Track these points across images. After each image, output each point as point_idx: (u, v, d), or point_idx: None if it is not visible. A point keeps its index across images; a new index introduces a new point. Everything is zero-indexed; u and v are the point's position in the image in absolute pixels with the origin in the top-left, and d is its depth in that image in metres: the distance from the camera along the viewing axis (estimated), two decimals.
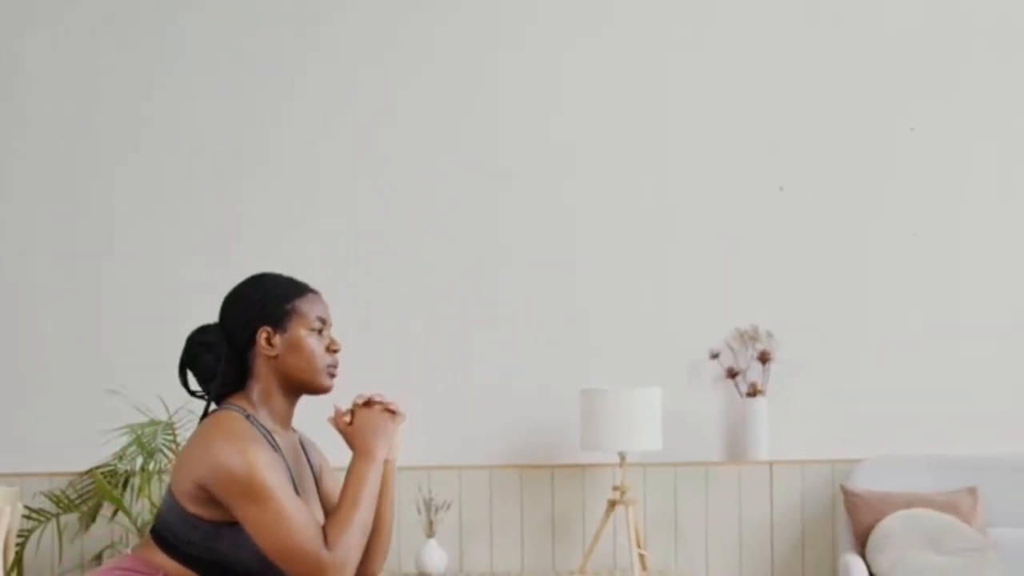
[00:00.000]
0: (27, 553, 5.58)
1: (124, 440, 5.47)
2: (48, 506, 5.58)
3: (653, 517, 5.69)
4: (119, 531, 5.61)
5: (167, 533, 2.85)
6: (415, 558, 5.50)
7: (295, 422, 3.05)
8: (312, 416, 3.31)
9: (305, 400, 3.03)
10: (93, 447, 5.54)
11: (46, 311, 5.84)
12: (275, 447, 2.87)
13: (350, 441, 2.93)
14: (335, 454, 3.18)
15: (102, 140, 5.86)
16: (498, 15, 5.88)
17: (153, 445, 5.34)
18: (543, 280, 5.81)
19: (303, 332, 2.93)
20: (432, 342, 5.78)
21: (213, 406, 2.96)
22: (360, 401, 2.97)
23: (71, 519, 5.60)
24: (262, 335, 2.91)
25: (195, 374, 2.96)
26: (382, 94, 5.86)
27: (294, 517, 2.73)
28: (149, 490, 5.33)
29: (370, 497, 2.84)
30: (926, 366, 5.72)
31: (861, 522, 5.30)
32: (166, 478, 5.40)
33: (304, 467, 3.02)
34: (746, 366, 5.73)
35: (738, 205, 5.81)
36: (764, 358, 5.70)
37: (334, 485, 3.10)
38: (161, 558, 2.84)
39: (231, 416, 2.84)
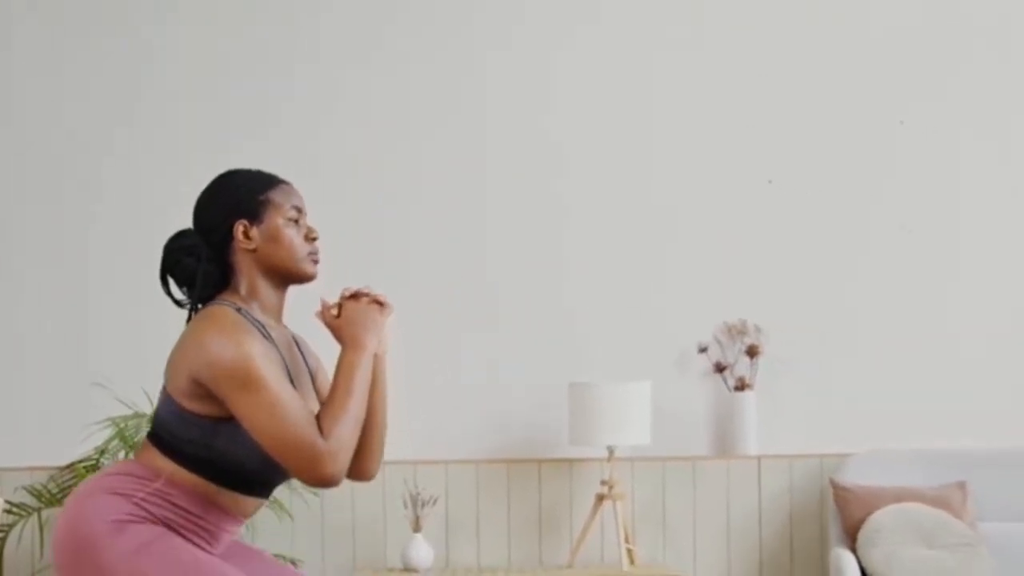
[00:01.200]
0: (7, 548, 5.52)
1: (106, 433, 5.41)
2: (29, 500, 5.52)
3: (641, 512, 5.66)
4: None
5: (165, 434, 2.81)
6: (401, 553, 5.46)
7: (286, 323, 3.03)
8: (300, 314, 3.24)
9: (293, 298, 2.99)
10: (75, 441, 5.48)
11: (28, 303, 5.78)
12: (268, 339, 2.84)
13: (338, 334, 2.90)
14: (324, 350, 3.14)
15: (88, 135, 5.80)
16: (485, 13, 5.85)
17: (136, 438, 5.28)
18: (531, 274, 5.77)
19: (280, 222, 2.91)
20: (419, 336, 5.73)
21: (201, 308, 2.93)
22: (347, 293, 2.95)
23: (52, 514, 5.53)
24: (239, 229, 2.89)
25: (177, 280, 2.94)
26: (370, 93, 5.82)
27: (288, 406, 2.70)
28: None
29: (362, 387, 2.81)
30: (915, 361, 5.71)
31: (851, 516, 5.28)
32: None
33: (300, 363, 2.99)
34: (734, 360, 5.71)
35: (727, 199, 5.79)
36: (752, 352, 5.67)
37: (328, 388, 3.06)
38: (161, 460, 2.81)
39: (222, 310, 2.80)
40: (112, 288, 5.75)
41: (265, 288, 2.92)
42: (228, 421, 2.76)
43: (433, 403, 5.72)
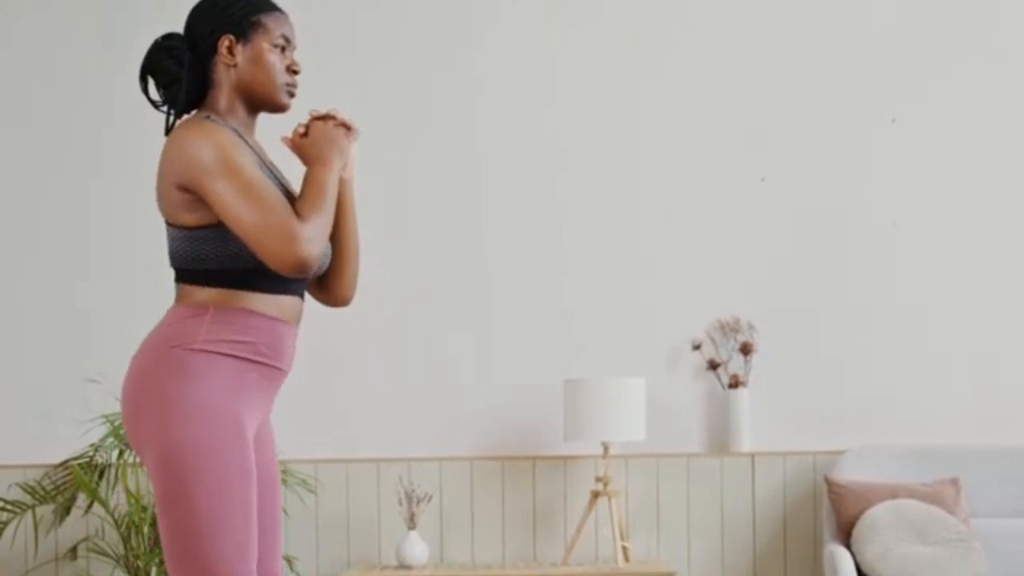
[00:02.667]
0: (2, 545, 5.51)
1: (101, 430, 5.41)
2: (23, 498, 5.51)
3: (635, 508, 5.67)
4: (95, 523, 5.55)
5: (184, 264, 2.86)
6: (396, 550, 5.46)
7: None
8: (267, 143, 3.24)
9: (266, 129, 3.05)
10: (70, 437, 5.48)
11: (24, 300, 5.77)
12: (244, 141, 2.89)
13: (303, 154, 2.95)
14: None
15: (80, 118, 5.80)
16: (483, 7, 5.85)
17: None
18: (526, 271, 5.78)
19: (265, 46, 2.94)
20: (414, 333, 5.74)
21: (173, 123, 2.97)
22: (315, 115, 2.99)
23: (46, 511, 5.53)
24: (224, 43, 2.93)
25: (156, 80, 2.97)
26: (363, 86, 5.82)
27: (264, 189, 2.76)
28: (126, 481, 5.27)
29: (331, 194, 2.86)
30: (908, 357, 5.73)
31: (845, 512, 5.30)
32: (144, 470, 5.35)
33: (276, 176, 2.99)
34: (728, 357, 5.72)
35: (720, 197, 5.80)
36: (746, 349, 5.69)
37: None
38: (199, 294, 2.85)
39: (196, 119, 2.87)
40: (108, 285, 5.75)
41: (240, 107, 2.96)
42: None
43: (428, 400, 5.72)
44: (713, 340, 5.75)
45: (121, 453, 5.30)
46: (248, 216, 2.74)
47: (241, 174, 2.75)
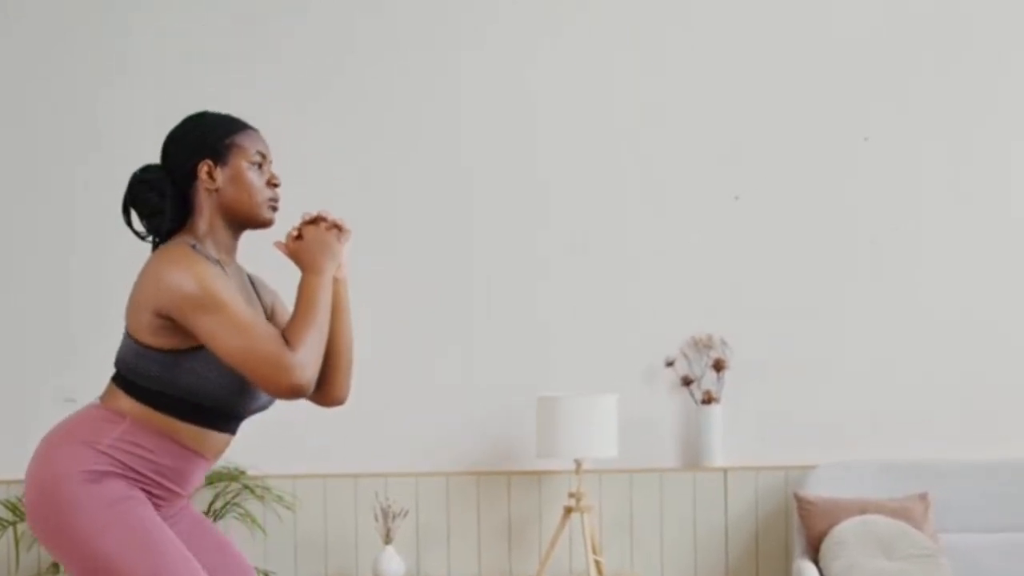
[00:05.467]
0: None
1: None
2: (4, 514, 5.56)
3: (609, 524, 5.72)
4: None
5: (127, 372, 2.88)
6: (372, 565, 5.51)
7: (244, 268, 3.12)
8: (261, 250, 3.29)
9: (256, 236, 3.08)
10: None
11: (4, 319, 5.82)
12: (223, 271, 2.92)
13: (297, 259, 2.98)
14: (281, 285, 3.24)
15: (64, 139, 5.85)
16: (460, 15, 5.91)
17: None
18: (501, 287, 5.83)
19: (244, 165, 2.98)
20: (388, 348, 5.79)
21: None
22: (307, 218, 3.03)
23: (27, 528, 5.56)
24: (203, 168, 2.96)
25: (138, 212, 3.00)
26: (356, 91, 5.87)
27: (252, 321, 2.79)
28: None
29: (324, 305, 2.89)
30: (878, 374, 5.78)
31: (814, 528, 5.35)
32: None
33: (255, 301, 3.05)
34: (701, 374, 5.78)
35: (694, 214, 5.86)
36: (719, 366, 5.75)
37: (287, 317, 3.13)
38: (125, 403, 2.87)
39: (177, 247, 2.88)
40: (88, 305, 5.79)
41: (222, 229, 2.99)
42: (187, 353, 2.83)
43: (402, 415, 5.77)
44: (686, 356, 5.81)
45: None
46: (237, 348, 2.76)
47: (226, 307, 2.78)
